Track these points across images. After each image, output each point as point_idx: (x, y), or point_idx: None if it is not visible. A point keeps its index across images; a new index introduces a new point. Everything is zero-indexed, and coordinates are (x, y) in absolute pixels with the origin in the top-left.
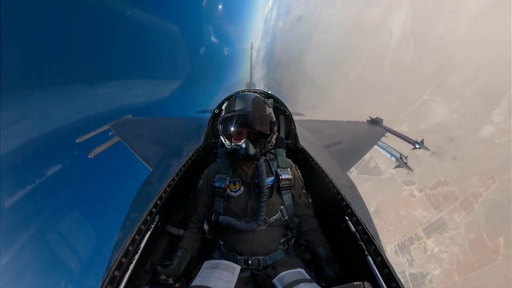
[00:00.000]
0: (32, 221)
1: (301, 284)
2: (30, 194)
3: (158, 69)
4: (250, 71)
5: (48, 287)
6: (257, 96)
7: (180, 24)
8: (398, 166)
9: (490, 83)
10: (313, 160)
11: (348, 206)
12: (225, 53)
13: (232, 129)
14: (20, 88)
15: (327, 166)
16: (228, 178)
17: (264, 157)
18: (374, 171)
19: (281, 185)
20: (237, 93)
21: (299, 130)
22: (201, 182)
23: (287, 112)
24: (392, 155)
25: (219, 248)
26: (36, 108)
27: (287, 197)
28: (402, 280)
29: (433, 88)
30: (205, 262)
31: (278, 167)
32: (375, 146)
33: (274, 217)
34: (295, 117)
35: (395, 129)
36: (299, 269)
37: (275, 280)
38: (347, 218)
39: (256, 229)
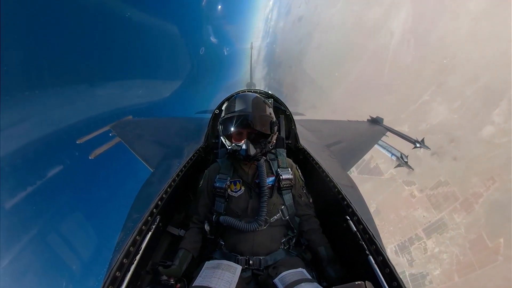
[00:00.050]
0: (33, 222)
1: (303, 284)
2: (31, 195)
3: (158, 70)
4: (250, 71)
5: None
6: (257, 96)
7: (180, 24)
8: (398, 165)
9: (490, 83)
10: (313, 159)
11: (349, 206)
12: (225, 53)
13: (232, 129)
14: (21, 89)
15: (328, 165)
16: (229, 179)
17: (265, 157)
18: (375, 171)
19: (281, 185)
20: (237, 93)
21: (300, 130)
22: (201, 182)
23: (288, 112)
24: (392, 154)
25: (220, 248)
26: (37, 109)
27: (287, 197)
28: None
29: (433, 88)
30: (206, 262)
31: (278, 167)
32: (376, 146)
33: (275, 217)
34: (295, 117)
35: (395, 129)
36: (300, 269)
37: (276, 280)
38: (348, 218)
39: (257, 229)
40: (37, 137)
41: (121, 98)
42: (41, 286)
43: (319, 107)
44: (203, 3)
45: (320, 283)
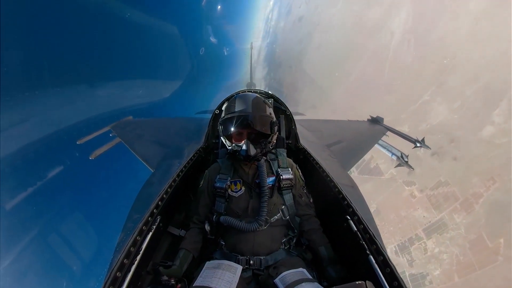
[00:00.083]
0: (34, 223)
1: (303, 284)
2: (31, 196)
3: (158, 70)
4: (250, 71)
5: None
6: (257, 96)
7: (179, 24)
8: (399, 165)
9: (490, 84)
10: (314, 159)
11: (349, 205)
12: (225, 53)
13: (232, 130)
14: (21, 90)
15: (328, 165)
16: (229, 179)
17: (265, 157)
18: (375, 172)
19: (282, 185)
20: (237, 93)
21: (300, 130)
22: (202, 182)
23: (288, 112)
24: (393, 153)
25: (220, 248)
26: (37, 109)
27: (288, 197)
28: None
29: (433, 88)
30: (207, 262)
31: (279, 167)
32: (376, 145)
33: (275, 217)
34: (295, 117)
35: (395, 129)
36: (300, 269)
37: (276, 280)
38: (349, 218)
39: (258, 229)
40: (37, 137)
41: (121, 99)
42: (41, 287)
43: (319, 107)
44: (203, 3)
45: (320, 283)
